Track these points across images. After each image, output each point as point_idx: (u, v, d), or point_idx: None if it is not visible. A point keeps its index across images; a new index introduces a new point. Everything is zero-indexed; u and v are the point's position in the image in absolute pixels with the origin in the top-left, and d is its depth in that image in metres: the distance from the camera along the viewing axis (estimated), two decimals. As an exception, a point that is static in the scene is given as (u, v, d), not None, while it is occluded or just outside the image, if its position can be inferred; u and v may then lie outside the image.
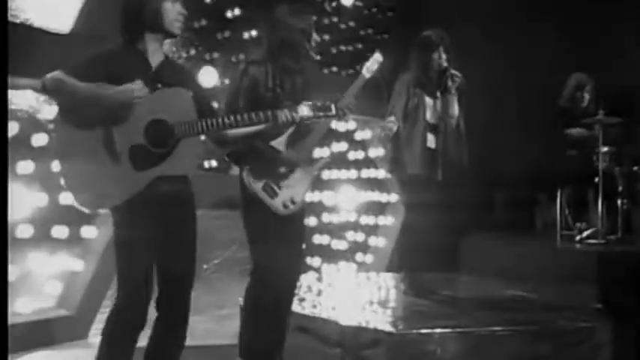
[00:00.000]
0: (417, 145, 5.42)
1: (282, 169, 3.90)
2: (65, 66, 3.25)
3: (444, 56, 5.43)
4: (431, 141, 5.48)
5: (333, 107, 3.62)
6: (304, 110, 3.57)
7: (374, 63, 3.99)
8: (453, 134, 5.49)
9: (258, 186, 3.89)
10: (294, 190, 3.93)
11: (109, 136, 3.24)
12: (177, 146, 3.28)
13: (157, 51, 3.42)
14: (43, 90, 3.26)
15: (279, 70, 3.97)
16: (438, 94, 5.49)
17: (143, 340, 3.48)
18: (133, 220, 3.30)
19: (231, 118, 3.39)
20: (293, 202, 3.92)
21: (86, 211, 3.35)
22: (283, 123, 3.56)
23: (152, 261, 3.39)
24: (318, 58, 4.10)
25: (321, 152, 7.40)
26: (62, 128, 3.28)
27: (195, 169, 3.46)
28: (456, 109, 5.42)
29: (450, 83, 5.35)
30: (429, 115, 5.47)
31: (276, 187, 3.90)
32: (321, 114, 3.61)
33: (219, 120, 3.35)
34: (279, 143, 3.89)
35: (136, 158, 3.24)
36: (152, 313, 3.47)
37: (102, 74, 3.23)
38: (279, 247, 3.94)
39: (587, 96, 7.16)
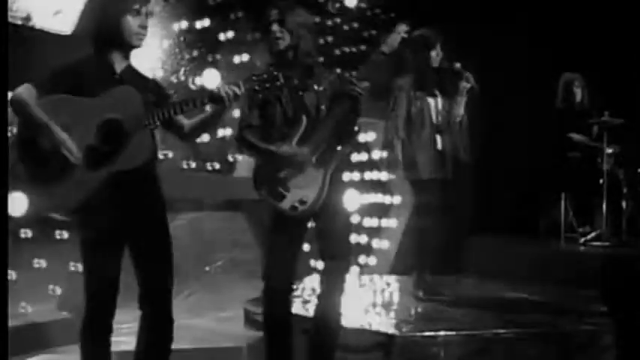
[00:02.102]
0: (428, 149, 5.40)
1: (287, 170, 3.74)
2: (34, 79, 3.33)
3: (441, 54, 5.41)
4: (439, 142, 5.46)
5: (280, 76, 3.47)
6: (247, 82, 3.45)
7: (395, 37, 3.85)
8: (457, 133, 5.48)
9: (264, 190, 3.78)
10: (304, 190, 3.74)
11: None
12: (129, 141, 3.32)
13: (122, 61, 3.49)
14: (10, 105, 3.33)
15: (291, 87, 3.83)
16: (437, 92, 5.47)
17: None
18: (98, 220, 3.35)
19: (171, 107, 3.37)
20: (303, 203, 3.72)
21: (53, 216, 3.41)
22: (226, 99, 3.39)
23: (119, 262, 3.45)
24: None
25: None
26: (19, 137, 3.35)
27: (147, 160, 3.39)
28: (461, 110, 5.41)
29: (464, 84, 5.34)
30: (433, 117, 5.45)
31: (282, 189, 3.74)
32: (267, 85, 3.47)
33: (163, 110, 3.36)
34: (287, 145, 3.74)
35: (89, 159, 3.29)
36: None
37: (68, 86, 3.32)
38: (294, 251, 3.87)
39: (577, 91, 7.18)
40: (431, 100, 5.45)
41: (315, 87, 3.88)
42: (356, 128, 4.12)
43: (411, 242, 5.77)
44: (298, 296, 5.57)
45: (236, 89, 3.41)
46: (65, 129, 3.26)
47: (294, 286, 4.02)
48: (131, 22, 3.37)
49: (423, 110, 5.41)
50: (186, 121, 3.62)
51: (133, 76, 3.50)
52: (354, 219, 7.78)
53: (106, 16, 3.41)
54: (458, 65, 5.37)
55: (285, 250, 3.87)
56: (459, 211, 5.55)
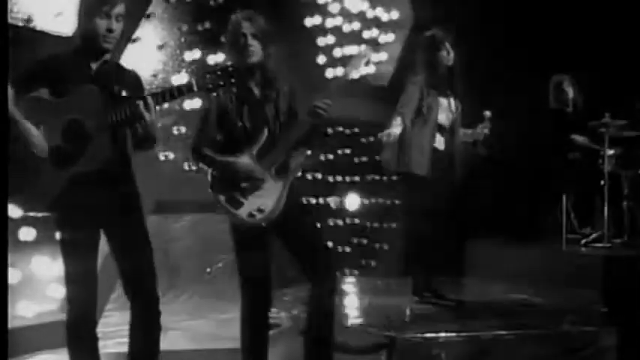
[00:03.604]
0: (426, 146, 5.40)
1: (245, 179, 3.77)
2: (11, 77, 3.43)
3: (452, 53, 5.44)
4: (439, 142, 5.46)
5: (235, 74, 3.47)
6: (200, 81, 3.45)
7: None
8: (458, 138, 5.51)
9: (222, 198, 3.80)
10: (262, 200, 3.77)
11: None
12: (90, 141, 3.40)
13: (98, 58, 3.55)
14: None
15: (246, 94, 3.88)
16: (449, 92, 5.49)
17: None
18: (70, 217, 3.47)
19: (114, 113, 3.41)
20: (260, 211, 3.75)
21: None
22: (143, 110, 3.40)
23: (95, 258, 3.55)
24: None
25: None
26: None
27: (108, 161, 3.44)
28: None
29: (483, 129, 5.47)
30: (440, 116, 5.46)
31: (240, 197, 3.77)
32: (221, 83, 3.46)
33: (118, 112, 3.40)
34: (247, 155, 3.78)
35: (56, 159, 3.40)
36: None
37: (44, 81, 3.45)
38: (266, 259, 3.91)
39: (568, 89, 7.19)
40: (443, 100, 5.47)
41: (274, 99, 3.91)
42: (320, 141, 4.13)
43: (408, 244, 5.77)
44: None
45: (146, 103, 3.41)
46: (37, 128, 3.39)
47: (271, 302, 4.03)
48: (99, 24, 3.44)
49: (432, 107, 5.42)
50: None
51: (110, 70, 3.56)
52: (356, 220, 7.80)
53: (79, 17, 3.53)
54: (487, 113, 5.45)
55: (254, 266, 3.90)
56: (453, 212, 5.54)
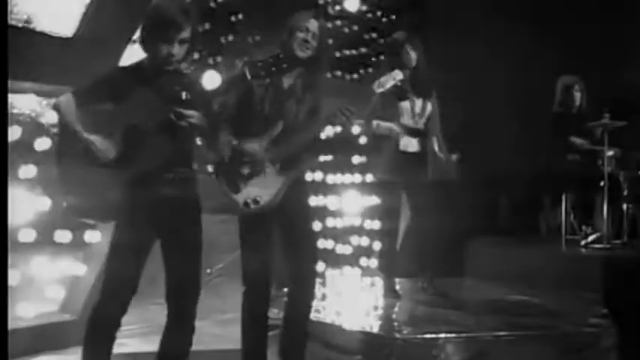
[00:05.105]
0: (390, 150, 5.43)
1: (248, 166, 3.79)
2: (75, 86, 3.50)
3: (413, 54, 5.44)
4: (412, 145, 5.48)
5: (247, 72, 3.53)
6: (253, 69, 3.54)
7: (389, 79, 3.94)
8: (431, 135, 5.54)
9: (223, 180, 3.84)
10: (260, 190, 3.79)
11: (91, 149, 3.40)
12: (148, 144, 3.42)
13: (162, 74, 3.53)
14: (54, 109, 3.52)
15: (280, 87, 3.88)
16: (412, 95, 5.50)
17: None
18: (133, 221, 3.46)
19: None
20: (256, 202, 3.78)
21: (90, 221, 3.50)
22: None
23: (144, 262, 3.54)
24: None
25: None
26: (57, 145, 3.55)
27: (164, 161, 3.46)
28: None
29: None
30: (405, 120, 5.47)
31: (239, 183, 3.80)
32: (274, 69, 3.55)
33: (176, 114, 3.42)
34: (256, 143, 3.80)
35: (119, 164, 3.39)
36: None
37: (106, 95, 3.42)
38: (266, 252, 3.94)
39: (577, 95, 7.14)
40: (404, 104, 5.49)
41: (299, 96, 3.91)
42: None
43: (389, 245, 5.84)
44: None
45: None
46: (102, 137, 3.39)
47: (272, 286, 4.06)
48: (161, 49, 3.40)
49: (391, 115, 5.44)
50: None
51: (173, 81, 3.51)
52: (356, 221, 7.80)
53: (142, 38, 3.49)
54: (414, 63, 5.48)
55: (256, 252, 3.94)
56: (445, 215, 5.57)
